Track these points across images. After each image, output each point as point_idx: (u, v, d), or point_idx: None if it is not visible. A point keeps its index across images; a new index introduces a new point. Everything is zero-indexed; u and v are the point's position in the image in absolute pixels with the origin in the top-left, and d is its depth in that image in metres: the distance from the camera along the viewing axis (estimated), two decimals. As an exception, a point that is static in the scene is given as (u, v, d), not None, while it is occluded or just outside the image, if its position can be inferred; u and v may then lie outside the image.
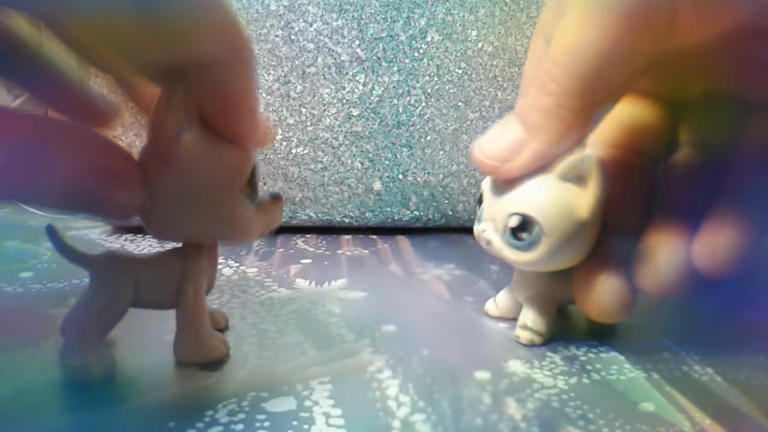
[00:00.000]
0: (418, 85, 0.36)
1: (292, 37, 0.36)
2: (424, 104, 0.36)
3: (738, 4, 0.17)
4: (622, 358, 0.21)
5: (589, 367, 0.20)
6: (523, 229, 0.19)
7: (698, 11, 0.17)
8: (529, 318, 0.22)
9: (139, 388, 0.18)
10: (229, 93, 0.17)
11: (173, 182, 0.17)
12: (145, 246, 0.34)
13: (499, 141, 0.19)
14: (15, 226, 0.37)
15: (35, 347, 0.21)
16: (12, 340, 0.21)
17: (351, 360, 0.20)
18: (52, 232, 0.19)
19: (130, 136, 0.35)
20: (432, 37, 0.36)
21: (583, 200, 0.19)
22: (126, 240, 0.35)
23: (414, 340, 0.22)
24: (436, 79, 0.36)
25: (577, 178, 0.19)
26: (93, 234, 0.36)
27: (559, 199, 0.19)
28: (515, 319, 0.23)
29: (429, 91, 0.36)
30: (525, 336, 0.22)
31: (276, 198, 0.20)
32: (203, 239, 0.19)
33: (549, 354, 0.21)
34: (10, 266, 0.29)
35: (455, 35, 0.36)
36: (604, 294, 0.20)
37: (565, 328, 0.23)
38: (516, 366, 0.20)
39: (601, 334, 0.23)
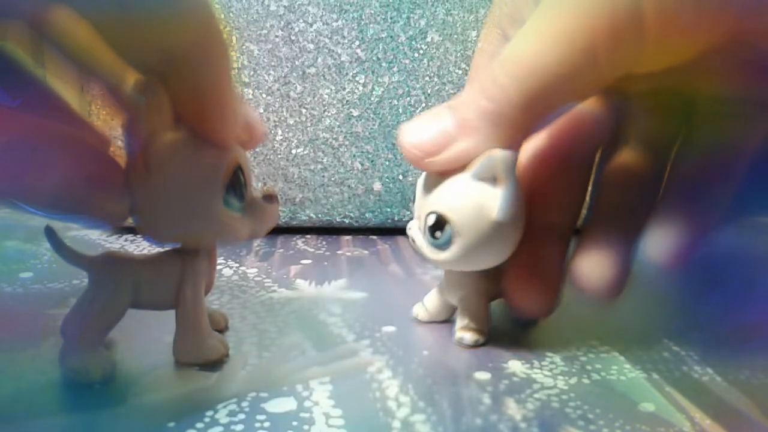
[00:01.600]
0: (418, 85, 0.36)
1: (292, 37, 0.36)
2: (424, 105, 0.36)
3: (714, 13, 0.16)
4: (622, 358, 0.21)
5: (589, 367, 0.20)
6: (438, 227, 0.19)
7: (669, 37, 0.16)
8: (467, 318, 0.22)
9: (139, 388, 0.18)
10: (200, 90, 0.16)
11: (154, 186, 0.17)
12: (145, 246, 0.34)
13: (428, 131, 0.18)
14: (15, 226, 0.37)
15: (35, 347, 0.21)
16: (12, 340, 0.21)
17: (351, 360, 0.20)
18: (50, 233, 0.19)
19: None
20: (432, 38, 0.36)
21: (496, 200, 0.18)
22: (126, 240, 0.35)
23: (414, 341, 0.22)
24: (436, 79, 0.36)
25: (491, 177, 0.18)
26: (92, 234, 0.36)
27: (473, 198, 0.19)
28: (446, 321, 0.23)
29: (429, 91, 0.36)
30: (469, 337, 0.21)
31: (270, 198, 0.20)
32: (190, 241, 0.19)
33: (549, 354, 0.21)
34: (10, 266, 0.29)
35: (455, 36, 0.36)
36: (534, 289, 0.21)
37: (564, 330, 0.23)
38: (516, 366, 0.20)
39: (601, 334, 0.23)
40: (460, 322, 0.22)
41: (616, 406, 0.18)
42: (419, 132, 0.19)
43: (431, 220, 0.19)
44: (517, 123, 0.18)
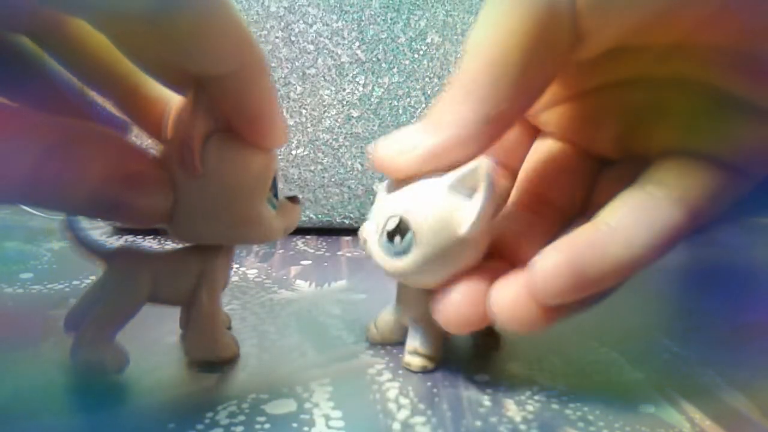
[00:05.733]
0: (418, 86, 0.36)
1: (292, 38, 0.36)
2: (424, 105, 0.36)
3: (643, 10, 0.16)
4: (622, 359, 0.21)
5: (588, 369, 0.20)
6: (399, 232, 0.18)
7: (599, 15, 0.16)
8: (417, 341, 0.20)
9: (139, 389, 0.18)
10: (250, 101, 0.17)
11: (199, 188, 0.17)
12: (145, 247, 0.34)
13: (397, 139, 0.18)
14: (15, 227, 0.37)
15: (35, 347, 0.21)
16: (12, 341, 0.21)
17: (351, 362, 0.20)
18: (68, 227, 0.19)
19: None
20: (432, 39, 0.36)
21: (468, 214, 0.17)
22: (126, 241, 0.35)
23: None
24: (436, 80, 0.36)
25: (467, 190, 0.17)
26: (93, 235, 0.36)
27: (443, 208, 0.17)
28: (401, 344, 0.21)
29: (429, 92, 0.36)
30: (416, 363, 0.20)
31: (294, 200, 0.20)
32: (228, 242, 0.19)
33: (549, 355, 0.21)
34: (10, 267, 0.29)
35: (455, 37, 0.36)
36: (454, 301, 0.18)
37: (564, 331, 0.23)
38: (516, 368, 0.20)
39: (600, 336, 0.23)
40: (410, 344, 0.20)
41: (616, 408, 0.18)
42: (389, 141, 0.18)
43: (392, 223, 0.18)
44: (473, 109, 0.17)
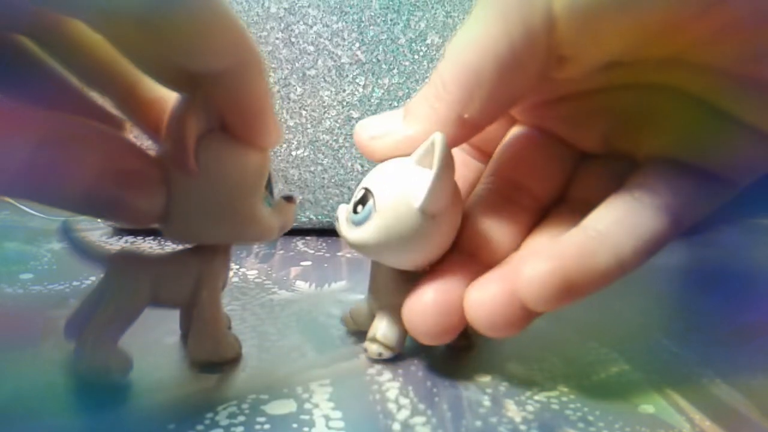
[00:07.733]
0: (417, 87, 0.36)
1: (293, 39, 0.36)
2: (424, 106, 0.36)
3: (626, 27, 0.16)
4: (622, 359, 0.21)
5: (588, 369, 0.20)
6: (362, 202, 0.18)
7: (577, 27, 0.16)
8: (380, 330, 0.20)
9: (139, 390, 0.18)
10: (245, 99, 0.17)
11: (195, 187, 0.17)
12: (145, 248, 0.34)
13: (377, 122, 0.19)
14: (15, 227, 0.37)
15: (35, 347, 0.21)
16: (12, 341, 0.21)
17: (351, 362, 0.20)
18: (65, 232, 0.19)
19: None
20: (432, 40, 0.36)
21: (423, 187, 0.17)
22: (126, 242, 0.35)
23: (414, 343, 0.22)
24: (436, 81, 0.36)
25: (430, 163, 0.17)
26: (93, 236, 0.36)
27: (404, 181, 0.18)
28: None
29: (429, 93, 0.36)
30: (372, 349, 0.20)
31: (289, 199, 0.20)
32: (224, 241, 0.19)
33: (549, 356, 0.21)
34: (11, 267, 0.29)
35: (455, 37, 0.36)
36: (421, 310, 0.18)
37: (564, 331, 0.23)
38: (516, 368, 0.20)
39: (600, 336, 0.23)
40: (371, 332, 0.20)
41: (616, 408, 0.18)
42: (370, 122, 0.19)
43: (359, 194, 0.18)
44: (451, 107, 0.18)
